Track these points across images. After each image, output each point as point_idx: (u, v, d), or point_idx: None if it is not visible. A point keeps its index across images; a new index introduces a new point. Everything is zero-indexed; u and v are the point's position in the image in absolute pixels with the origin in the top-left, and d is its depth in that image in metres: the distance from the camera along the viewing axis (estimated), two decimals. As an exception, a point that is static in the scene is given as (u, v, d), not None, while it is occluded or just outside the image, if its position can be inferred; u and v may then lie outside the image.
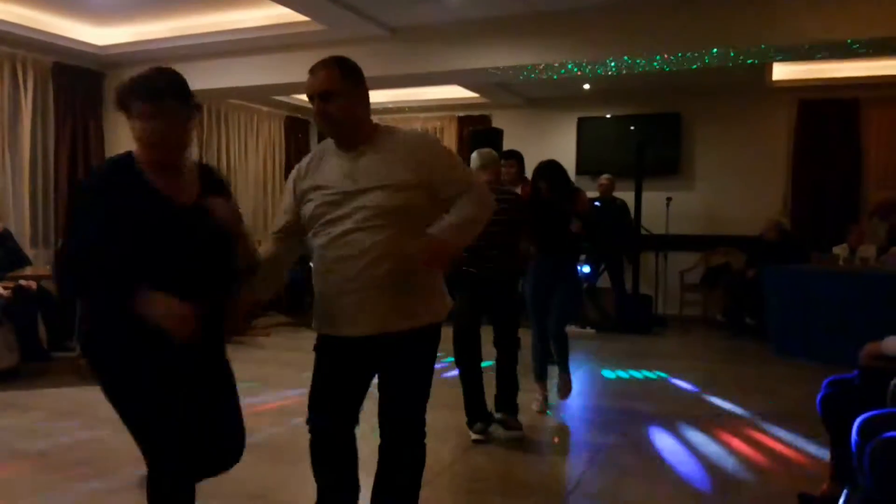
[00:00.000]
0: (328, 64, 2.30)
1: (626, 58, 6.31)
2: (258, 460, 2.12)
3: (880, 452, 2.31)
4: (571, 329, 7.82)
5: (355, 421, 2.44)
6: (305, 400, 2.42)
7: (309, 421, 2.40)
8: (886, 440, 2.33)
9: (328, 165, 2.35)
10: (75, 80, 7.72)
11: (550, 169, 4.89)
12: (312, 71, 2.31)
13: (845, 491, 2.84)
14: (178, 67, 6.96)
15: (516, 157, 6.40)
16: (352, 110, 2.29)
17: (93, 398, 2.58)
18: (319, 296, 2.36)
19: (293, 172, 2.46)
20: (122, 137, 8.21)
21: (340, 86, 2.27)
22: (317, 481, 2.42)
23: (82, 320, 2.24)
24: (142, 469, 2.19)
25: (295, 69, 7.10)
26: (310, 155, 2.46)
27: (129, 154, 2.16)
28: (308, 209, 2.34)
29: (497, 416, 4.33)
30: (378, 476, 2.44)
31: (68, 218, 1.77)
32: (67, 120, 7.70)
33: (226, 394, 2.32)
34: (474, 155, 4.52)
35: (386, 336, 2.29)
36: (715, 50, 6.05)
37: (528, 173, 5.22)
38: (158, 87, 2.13)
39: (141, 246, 2.05)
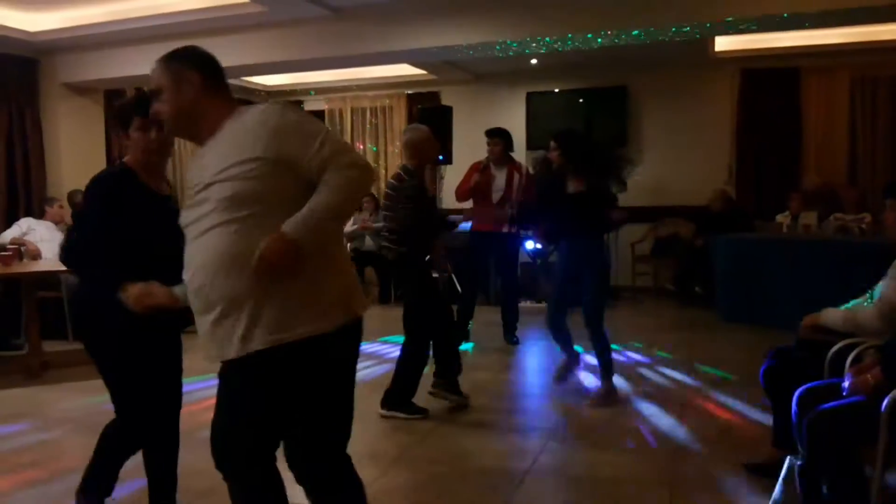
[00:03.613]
0: (159, 59, 2.05)
1: (569, 35, 6.34)
2: (207, 455, 2.08)
3: (817, 424, 2.40)
4: (526, 304, 7.97)
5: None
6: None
7: None
8: (823, 412, 2.43)
9: (193, 166, 2.06)
10: (8, 68, 7.49)
11: (565, 136, 4.63)
12: None
13: (788, 458, 2.94)
14: (115, 53, 6.91)
15: (501, 136, 6.28)
16: (177, 103, 2.00)
17: (42, 398, 2.54)
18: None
19: None
20: (59, 125, 7.98)
21: (164, 80, 2.00)
22: None
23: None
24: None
25: (237, 52, 6.98)
26: None
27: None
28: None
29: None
30: None
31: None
32: (2, 108, 7.47)
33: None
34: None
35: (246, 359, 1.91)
36: (649, 30, 6.16)
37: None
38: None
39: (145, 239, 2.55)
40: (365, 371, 5.23)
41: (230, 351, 1.90)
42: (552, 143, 4.59)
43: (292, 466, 2.09)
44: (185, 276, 1.98)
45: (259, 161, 1.87)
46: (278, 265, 1.83)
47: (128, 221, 2.54)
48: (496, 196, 6.09)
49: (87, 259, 2.67)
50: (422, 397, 4.35)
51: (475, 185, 6.08)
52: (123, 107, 2.76)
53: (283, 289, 1.88)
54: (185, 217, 2.00)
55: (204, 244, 1.91)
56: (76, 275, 2.91)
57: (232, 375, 1.96)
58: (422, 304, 4.31)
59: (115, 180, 2.63)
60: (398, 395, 4.28)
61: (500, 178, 6.09)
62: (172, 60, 2.03)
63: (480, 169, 6.14)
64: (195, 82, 2.01)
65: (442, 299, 4.51)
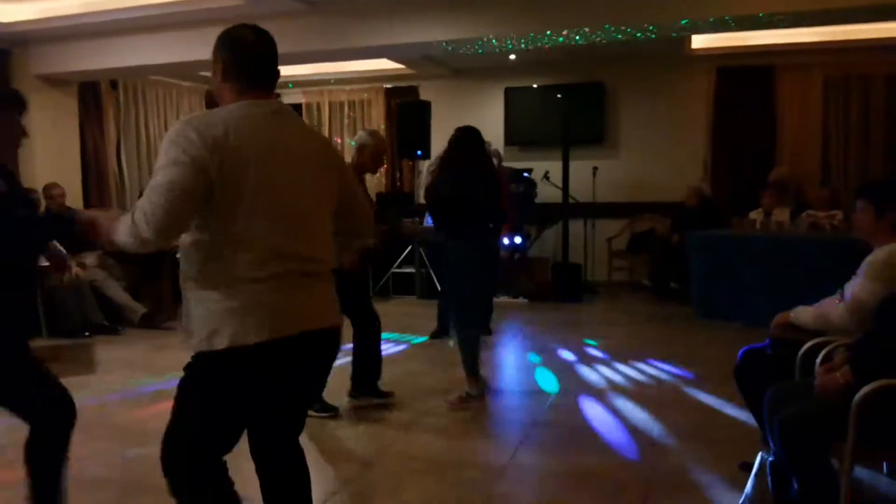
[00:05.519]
0: None
1: (548, 32, 6.37)
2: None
3: (787, 421, 2.45)
4: (503, 299, 8.01)
5: None
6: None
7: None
8: (793, 410, 2.48)
9: None
10: (-22, 60, 7.36)
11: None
12: None
13: (759, 455, 3.00)
14: (90, 44, 6.85)
15: None
16: (213, 85, 2.13)
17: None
18: None
19: None
20: (32, 117, 7.85)
21: (211, 61, 2.10)
22: None
23: None
24: (84, 469, 2.18)
25: (211, 45, 6.91)
26: None
27: None
28: None
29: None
30: None
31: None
32: (-28, 101, 7.34)
33: None
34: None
35: None
36: (629, 30, 6.21)
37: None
38: None
39: None
40: (335, 369, 5.21)
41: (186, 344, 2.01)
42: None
43: (253, 458, 2.19)
44: None
45: None
46: None
47: None
48: None
49: None
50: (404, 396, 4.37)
51: None
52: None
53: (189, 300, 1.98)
54: None
55: None
56: None
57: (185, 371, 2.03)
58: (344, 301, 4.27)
59: None
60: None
61: None
62: (216, 41, 2.06)
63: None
64: (221, 66, 2.04)
65: (367, 303, 4.42)
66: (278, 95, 9.44)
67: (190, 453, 2.00)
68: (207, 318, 1.92)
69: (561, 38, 6.62)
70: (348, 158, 3.95)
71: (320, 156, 2.10)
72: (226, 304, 1.89)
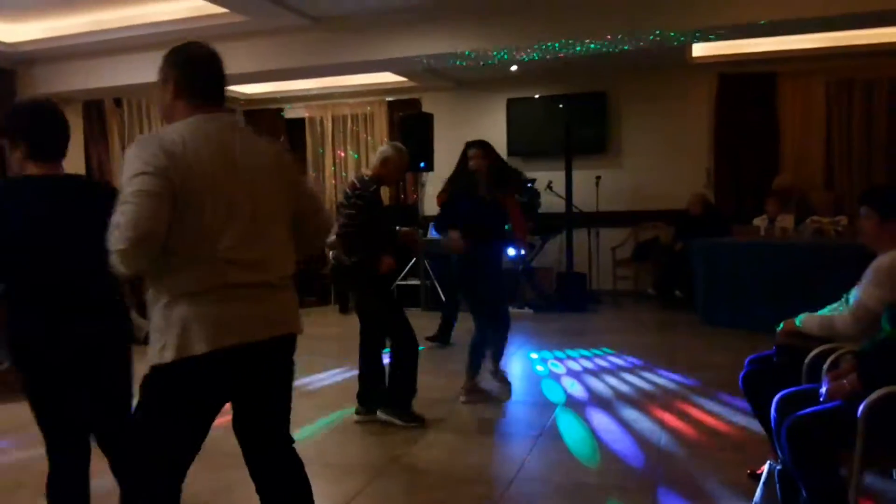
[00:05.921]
0: None
1: (549, 44, 6.40)
2: (202, 466, 2.12)
3: (795, 429, 2.44)
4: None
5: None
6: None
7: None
8: (801, 417, 2.47)
9: None
10: (-16, 80, 7.41)
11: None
12: None
13: (768, 463, 2.99)
14: (94, 63, 6.94)
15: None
16: (159, 102, 2.15)
17: (25, 415, 2.52)
18: None
19: None
20: (38, 136, 7.91)
21: (158, 78, 2.12)
22: None
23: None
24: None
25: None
26: None
27: None
28: None
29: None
30: None
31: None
32: (-22, 121, 7.39)
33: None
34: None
35: None
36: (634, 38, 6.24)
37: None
38: None
39: None
40: (342, 381, 5.22)
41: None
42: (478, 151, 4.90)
43: (251, 476, 2.21)
44: None
45: None
46: None
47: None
48: None
49: None
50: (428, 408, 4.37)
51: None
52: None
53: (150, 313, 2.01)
54: None
55: None
56: None
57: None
58: (382, 315, 4.33)
59: None
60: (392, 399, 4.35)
61: None
62: (163, 59, 2.10)
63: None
64: (173, 84, 2.07)
65: (402, 316, 4.36)
66: (281, 111, 9.54)
67: (148, 460, 2.02)
68: (161, 331, 1.94)
69: (579, 48, 6.65)
70: (352, 172, 4.02)
71: (274, 166, 2.12)
72: (176, 316, 1.92)
